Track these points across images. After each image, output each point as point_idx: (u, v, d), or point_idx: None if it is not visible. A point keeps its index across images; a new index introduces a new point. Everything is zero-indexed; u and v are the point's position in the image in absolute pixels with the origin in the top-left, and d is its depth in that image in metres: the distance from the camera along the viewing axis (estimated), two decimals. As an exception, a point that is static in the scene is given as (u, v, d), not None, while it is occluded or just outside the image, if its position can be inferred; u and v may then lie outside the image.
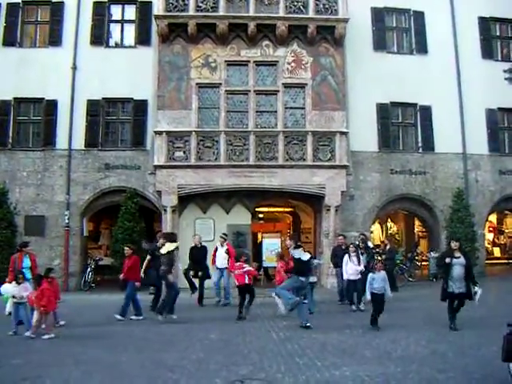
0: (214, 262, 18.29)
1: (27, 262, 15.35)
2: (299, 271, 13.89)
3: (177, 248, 15.73)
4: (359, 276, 16.10)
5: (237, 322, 14.54)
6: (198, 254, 18.07)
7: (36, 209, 22.96)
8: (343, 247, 17.85)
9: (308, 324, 13.28)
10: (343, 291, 17.40)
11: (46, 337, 12.35)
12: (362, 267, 16.30)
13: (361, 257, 16.66)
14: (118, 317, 14.84)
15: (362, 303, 16.07)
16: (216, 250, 18.30)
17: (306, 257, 13.98)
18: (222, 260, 17.93)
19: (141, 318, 15.14)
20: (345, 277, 16.57)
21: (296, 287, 13.87)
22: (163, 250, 15.11)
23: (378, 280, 13.18)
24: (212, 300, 18.13)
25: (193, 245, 18.47)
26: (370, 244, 21.60)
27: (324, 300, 17.75)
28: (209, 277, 18.17)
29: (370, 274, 13.43)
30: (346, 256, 16.59)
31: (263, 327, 13.74)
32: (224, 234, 19.12)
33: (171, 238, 15.80)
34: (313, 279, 16.77)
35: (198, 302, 17.79)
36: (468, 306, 12.84)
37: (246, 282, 14.98)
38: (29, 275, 14.59)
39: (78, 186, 23.11)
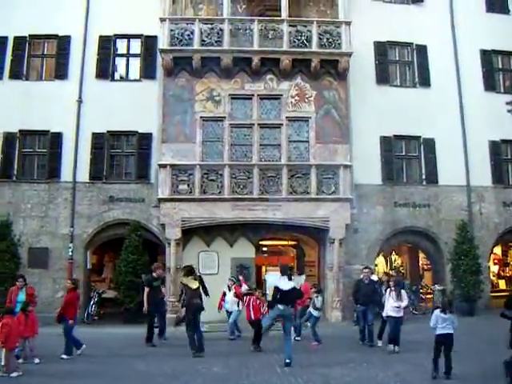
0: (220, 306, 18.31)
1: (22, 296, 15.02)
2: (276, 299, 13.74)
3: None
4: (400, 313, 14.98)
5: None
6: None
7: (40, 241, 22.92)
8: (367, 281, 16.74)
9: (288, 361, 13.03)
10: (365, 330, 16.29)
11: (14, 374, 12.08)
12: (405, 303, 15.20)
13: (403, 291, 15.37)
14: (64, 356, 14.28)
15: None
16: (224, 294, 18.30)
17: (286, 286, 13.71)
18: (231, 304, 17.97)
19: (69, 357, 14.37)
20: (384, 313, 15.38)
21: (279, 315, 13.73)
22: (194, 285, 15.10)
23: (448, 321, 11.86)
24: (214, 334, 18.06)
25: None
26: (375, 277, 21.54)
27: (327, 334, 17.56)
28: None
29: (440, 314, 11.84)
30: (387, 292, 15.46)
31: (266, 361, 13.68)
32: (233, 276, 19.10)
33: (192, 271, 15.75)
34: (317, 314, 16.75)
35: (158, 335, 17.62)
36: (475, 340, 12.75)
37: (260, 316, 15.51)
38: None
39: (82, 219, 23.10)
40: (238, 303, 17.72)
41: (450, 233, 23.93)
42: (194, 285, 15.20)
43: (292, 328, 15.24)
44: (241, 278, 18.73)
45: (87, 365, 13.33)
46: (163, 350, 15.48)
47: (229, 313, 18.10)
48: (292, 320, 14.44)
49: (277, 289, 13.75)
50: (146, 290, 16.81)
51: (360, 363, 13.07)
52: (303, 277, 16.52)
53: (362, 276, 18.87)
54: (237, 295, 17.77)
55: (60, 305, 15.14)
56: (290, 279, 13.98)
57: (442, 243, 24.27)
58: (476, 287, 22.80)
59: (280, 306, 13.51)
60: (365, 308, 16.23)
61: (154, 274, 17.33)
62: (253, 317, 15.81)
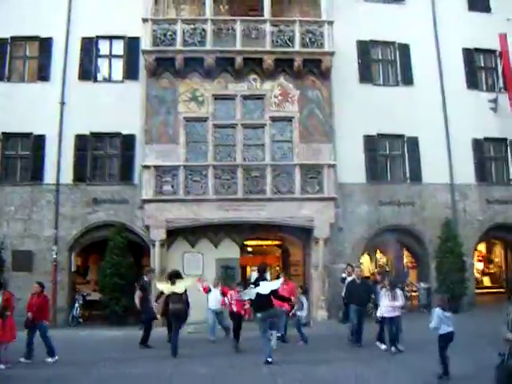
0: (204, 290, 18.06)
1: None
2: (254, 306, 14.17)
3: None
4: (396, 313, 14.67)
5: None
6: None
7: (23, 244, 22.77)
8: (359, 281, 16.42)
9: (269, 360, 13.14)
10: (355, 331, 15.89)
11: None
12: (400, 303, 14.78)
13: (398, 291, 15.04)
14: (50, 360, 14.16)
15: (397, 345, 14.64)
16: (209, 290, 18.09)
17: (264, 290, 13.69)
18: (215, 302, 17.75)
19: (29, 361, 14.10)
20: (378, 313, 15.11)
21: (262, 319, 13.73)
22: (179, 289, 15.11)
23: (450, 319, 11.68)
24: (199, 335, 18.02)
25: None
26: (355, 276, 21.52)
27: (313, 333, 17.53)
28: None
29: (442, 312, 11.58)
30: (384, 290, 15.08)
31: (253, 361, 13.65)
32: (220, 276, 19.04)
33: (178, 275, 15.78)
34: (301, 313, 16.76)
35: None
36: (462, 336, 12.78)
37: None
38: None
39: (65, 221, 23.00)
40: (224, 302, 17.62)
41: (435, 230, 24.01)
42: (178, 289, 15.19)
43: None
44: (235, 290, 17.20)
45: (72, 368, 13.26)
46: (149, 353, 15.42)
47: (216, 314, 17.83)
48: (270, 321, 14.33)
49: (257, 295, 13.84)
50: (139, 293, 16.72)
51: (346, 361, 13.10)
52: (280, 280, 16.25)
53: (343, 275, 18.98)
54: (223, 293, 17.62)
55: (26, 310, 14.63)
56: (256, 285, 14.01)
57: (427, 241, 24.36)
58: (461, 284, 22.90)
59: (257, 314, 13.73)
60: (359, 308, 15.92)
61: (145, 278, 17.27)
62: (235, 309, 15.75)
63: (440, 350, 11.31)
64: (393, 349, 14.45)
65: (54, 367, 13.42)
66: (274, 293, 13.92)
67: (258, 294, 13.70)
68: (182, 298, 15.09)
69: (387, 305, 14.63)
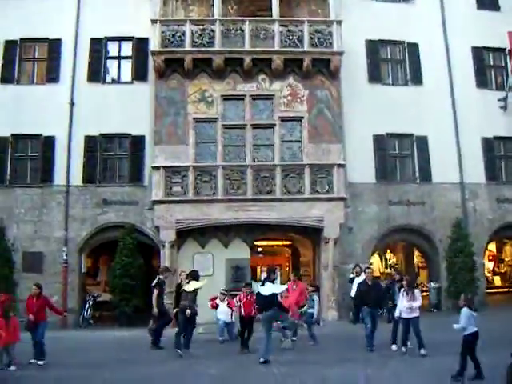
0: (211, 306, 18.00)
1: None
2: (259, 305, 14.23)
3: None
4: (414, 314, 14.05)
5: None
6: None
7: (34, 245, 22.82)
8: (370, 282, 15.86)
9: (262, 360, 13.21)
10: (373, 334, 15.01)
11: None
12: (418, 303, 14.17)
13: (416, 291, 14.53)
14: (40, 362, 13.89)
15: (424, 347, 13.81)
16: (216, 305, 18.01)
17: (266, 291, 13.76)
18: (224, 315, 17.74)
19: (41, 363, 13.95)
20: (397, 313, 14.55)
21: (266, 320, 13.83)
22: (189, 288, 15.19)
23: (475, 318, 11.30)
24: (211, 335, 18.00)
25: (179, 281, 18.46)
26: (364, 276, 21.48)
27: (324, 333, 17.48)
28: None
29: (469, 311, 11.22)
30: (401, 290, 14.58)
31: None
32: (224, 289, 18.93)
33: (195, 275, 15.76)
34: (311, 311, 16.69)
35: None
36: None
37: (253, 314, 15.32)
38: None
39: (75, 222, 23.03)
40: (232, 314, 17.68)
41: (445, 230, 23.95)
42: (188, 287, 15.27)
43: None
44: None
45: (84, 369, 13.24)
46: (160, 354, 15.40)
47: (223, 322, 17.72)
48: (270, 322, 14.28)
49: (258, 295, 14.10)
50: (156, 292, 16.68)
51: (357, 362, 13.04)
52: (285, 286, 16.27)
53: (351, 275, 18.96)
54: (230, 306, 17.71)
55: (26, 312, 14.42)
56: (272, 282, 14.10)
57: (437, 241, 24.28)
58: (471, 284, 22.81)
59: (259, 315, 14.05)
60: (372, 310, 15.17)
61: (161, 277, 17.24)
62: (243, 312, 15.57)
63: (466, 351, 10.96)
64: (403, 349, 14.17)
65: (65, 368, 13.39)
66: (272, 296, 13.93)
67: (258, 294, 13.95)
68: (188, 296, 15.13)
69: (405, 305, 14.13)
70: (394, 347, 14.85)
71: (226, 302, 17.92)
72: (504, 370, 8.40)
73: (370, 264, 24.74)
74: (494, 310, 22.06)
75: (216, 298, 18.12)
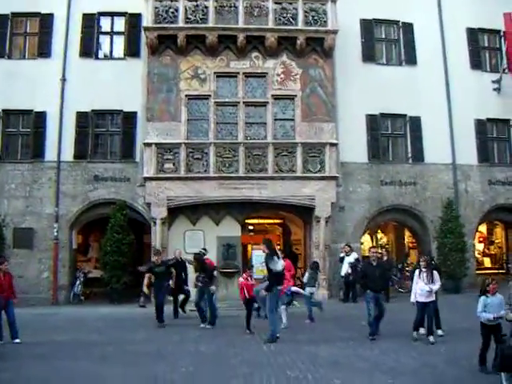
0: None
1: None
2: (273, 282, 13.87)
3: None
4: (432, 298, 13.05)
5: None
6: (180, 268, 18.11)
7: (24, 221, 22.75)
8: (375, 263, 14.29)
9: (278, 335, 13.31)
10: (372, 321, 13.70)
11: None
12: (437, 286, 13.12)
13: (435, 273, 13.34)
14: (17, 340, 13.60)
15: (433, 334, 13.07)
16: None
17: (279, 267, 13.75)
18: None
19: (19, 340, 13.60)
20: (412, 298, 13.27)
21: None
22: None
23: (493, 305, 10.17)
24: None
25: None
26: (356, 255, 21.60)
27: (314, 312, 17.50)
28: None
29: (483, 298, 10.30)
30: (416, 272, 13.45)
31: (254, 340, 13.68)
32: (203, 248, 18.81)
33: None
34: (311, 290, 16.72)
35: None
36: (459, 317, 12.81)
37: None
38: None
39: (66, 199, 22.94)
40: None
41: (436, 211, 24.02)
42: None
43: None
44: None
45: (75, 347, 13.25)
46: (152, 331, 15.41)
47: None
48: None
49: (270, 271, 13.71)
50: (147, 281, 16.87)
51: (347, 341, 13.09)
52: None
53: (341, 254, 18.75)
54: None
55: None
56: (278, 257, 13.99)
57: (428, 221, 24.35)
58: (461, 265, 22.93)
59: (278, 288, 13.79)
60: (376, 294, 13.72)
61: (153, 260, 17.21)
62: (247, 295, 15.04)
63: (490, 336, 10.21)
64: (431, 338, 12.82)
65: (57, 345, 13.40)
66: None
67: (275, 272, 13.68)
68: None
69: (424, 288, 12.99)
70: (422, 331, 13.40)
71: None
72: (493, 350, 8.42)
73: (361, 243, 24.87)
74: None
75: None
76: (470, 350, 10.73)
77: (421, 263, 13.62)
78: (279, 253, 14.71)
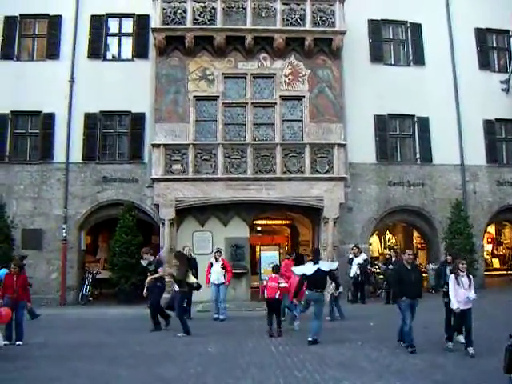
0: (208, 279, 17.85)
1: None
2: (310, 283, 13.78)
3: None
4: (470, 305, 11.87)
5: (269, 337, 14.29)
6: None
7: (33, 222, 22.84)
8: (409, 267, 12.74)
9: (310, 339, 13.10)
10: (406, 330, 12.21)
11: None
12: (472, 293, 11.87)
13: (471, 278, 12.18)
14: (19, 342, 13.51)
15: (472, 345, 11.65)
16: (210, 265, 17.99)
17: (310, 270, 13.64)
18: (218, 275, 17.68)
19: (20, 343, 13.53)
20: (455, 306, 11.80)
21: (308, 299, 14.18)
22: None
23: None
24: (208, 314, 18.02)
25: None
26: (364, 256, 21.59)
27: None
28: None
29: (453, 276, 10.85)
30: (452, 277, 12.14)
31: (262, 341, 13.67)
32: (218, 248, 18.95)
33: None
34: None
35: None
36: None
37: (277, 297, 14.62)
38: None
39: (75, 200, 23.01)
40: (224, 275, 17.66)
41: (445, 212, 23.97)
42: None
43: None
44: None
45: (84, 347, 13.27)
46: (160, 332, 15.41)
47: (215, 285, 17.70)
48: (322, 303, 13.94)
49: (303, 275, 13.78)
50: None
51: (355, 342, 13.06)
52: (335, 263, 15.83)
53: (350, 256, 18.54)
54: (224, 266, 17.77)
55: (5, 291, 13.80)
56: (315, 263, 13.89)
57: (437, 222, 24.30)
58: (470, 266, 22.77)
59: (306, 292, 13.77)
60: (412, 302, 12.33)
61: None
62: (266, 294, 14.88)
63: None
64: (470, 350, 11.51)
65: (66, 346, 13.42)
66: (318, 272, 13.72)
67: (318, 270, 13.58)
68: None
69: (465, 295, 11.77)
70: (461, 340, 12.42)
71: (221, 262, 17.91)
72: (502, 351, 8.38)
73: (370, 244, 24.86)
74: (492, 292, 22.10)
75: (211, 264, 18.06)
76: (479, 351, 10.68)
77: (461, 267, 12.24)
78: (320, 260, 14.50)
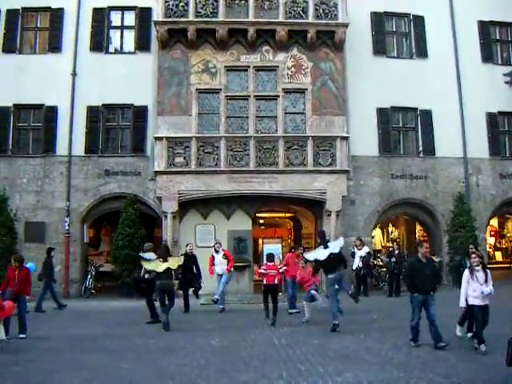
0: (211, 271, 18.00)
1: None
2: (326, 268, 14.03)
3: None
4: (487, 301, 11.18)
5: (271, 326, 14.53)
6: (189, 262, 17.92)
7: (36, 215, 22.91)
8: (424, 260, 11.81)
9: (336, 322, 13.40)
10: (414, 326, 11.60)
11: None
12: (490, 287, 11.12)
13: (488, 272, 11.44)
14: (21, 335, 13.33)
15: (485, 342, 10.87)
16: (213, 258, 18.06)
17: (322, 256, 13.81)
18: (221, 266, 17.79)
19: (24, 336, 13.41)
20: (462, 303, 11.35)
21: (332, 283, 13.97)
22: (161, 268, 14.77)
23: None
24: (212, 307, 18.03)
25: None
26: (367, 249, 21.58)
27: (324, 306, 17.50)
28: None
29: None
30: (467, 272, 11.44)
31: (265, 333, 13.67)
32: (217, 240, 19.08)
33: (165, 252, 15.58)
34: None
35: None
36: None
37: (276, 282, 15.07)
38: None
39: (78, 193, 23.06)
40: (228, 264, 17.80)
41: (447, 205, 23.98)
42: (160, 267, 15.04)
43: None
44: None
45: (86, 340, 13.27)
46: (160, 324, 15.41)
47: (220, 275, 17.84)
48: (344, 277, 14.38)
49: (316, 261, 14.09)
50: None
51: (358, 335, 13.05)
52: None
53: (353, 249, 18.52)
54: (226, 256, 17.90)
55: (7, 285, 13.71)
56: (326, 247, 14.03)
57: (439, 215, 24.30)
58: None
59: (331, 275, 13.84)
60: (425, 297, 11.51)
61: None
62: (264, 281, 15.16)
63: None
64: (482, 347, 10.77)
65: (69, 338, 13.44)
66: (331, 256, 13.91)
67: (331, 254, 13.74)
68: (161, 276, 14.84)
69: (480, 290, 11.07)
70: (458, 330, 12.43)
71: (222, 253, 18.00)
72: (503, 346, 8.39)
73: (372, 237, 24.85)
74: (495, 286, 22.01)
75: (213, 257, 18.13)
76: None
77: (473, 261, 11.54)
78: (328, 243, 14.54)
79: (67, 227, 22.73)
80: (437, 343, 11.17)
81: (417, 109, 24.70)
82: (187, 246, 18.60)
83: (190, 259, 17.96)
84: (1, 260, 20.73)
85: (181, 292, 17.80)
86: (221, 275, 17.83)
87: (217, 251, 18.04)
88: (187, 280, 17.63)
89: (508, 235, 32.54)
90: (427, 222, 25.30)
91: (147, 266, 15.33)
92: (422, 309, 11.53)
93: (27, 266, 14.64)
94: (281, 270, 15.53)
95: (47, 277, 19.35)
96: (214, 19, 22.75)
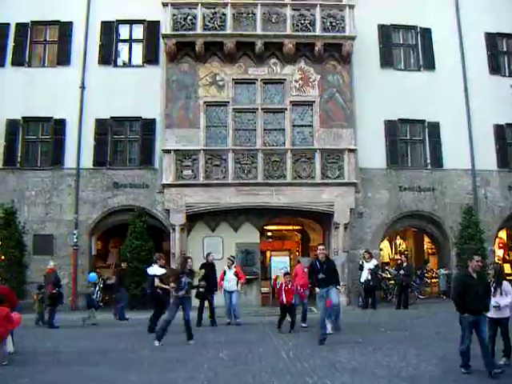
0: (221, 285, 17.86)
1: None
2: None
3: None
4: (506, 314, 10.75)
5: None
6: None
7: (44, 228, 22.97)
8: (475, 276, 10.46)
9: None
10: (464, 351, 10.32)
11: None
12: (508, 299, 10.68)
13: (505, 283, 10.94)
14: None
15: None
16: (224, 273, 17.98)
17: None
18: (231, 283, 17.73)
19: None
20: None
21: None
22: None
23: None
24: (220, 320, 18.00)
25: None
26: (375, 261, 21.50)
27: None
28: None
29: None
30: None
31: (273, 346, 13.63)
32: (232, 256, 19.05)
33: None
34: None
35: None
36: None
37: (293, 301, 15.27)
38: None
39: (86, 205, 23.13)
40: (237, 283, 17.72)
41: (455, 217, 23.90)
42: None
43: None
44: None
45: (94, 353, 13.28)
46: (168, 337, 15.40)
47: (228, 292, 17.76)
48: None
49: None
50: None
51: (366, 347, 13.00)
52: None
53: (361, 262, 18.57)
54: (236, 274, 17.82)
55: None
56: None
57: (447, 227, 24.21)
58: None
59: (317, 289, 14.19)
60: (477, 318, 10.21)
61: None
62: (285, 300, 15.35)
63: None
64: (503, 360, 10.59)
65: (76, 351, 13.44)
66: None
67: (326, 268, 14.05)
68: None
69: (492, 301, 10.57)
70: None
71: (234, 270, 17.95)
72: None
73: (381, 250, 24.78)
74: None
75: (224, 272, 18.08)
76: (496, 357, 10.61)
77: (488, 272, 11.33)
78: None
79: (75, 239, 22.77)
80: (491, 368, 9.91)
81: (424, 121, 24.68)
82: (209, 255, 18.43)
83: (212, 267, 17.87)
84: (9, 272, 20.80)
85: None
86: (229, 292, 17.73)
87: (229, 267, 18.03)
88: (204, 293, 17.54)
89: (517, 247, 32.36)
90: (435, 235, 25.21)
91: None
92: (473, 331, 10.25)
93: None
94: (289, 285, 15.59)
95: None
96: (221, 32, 22.88)
